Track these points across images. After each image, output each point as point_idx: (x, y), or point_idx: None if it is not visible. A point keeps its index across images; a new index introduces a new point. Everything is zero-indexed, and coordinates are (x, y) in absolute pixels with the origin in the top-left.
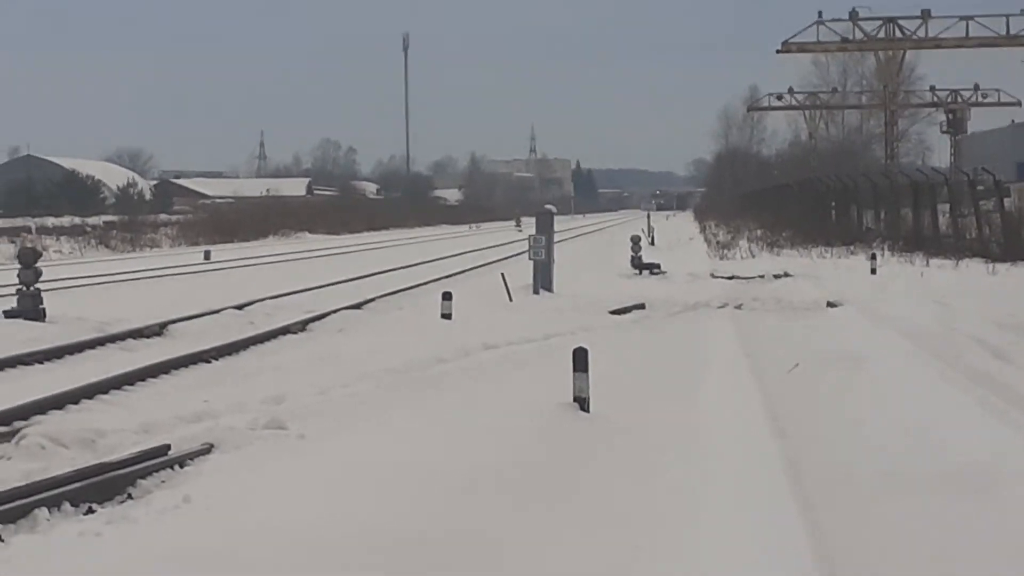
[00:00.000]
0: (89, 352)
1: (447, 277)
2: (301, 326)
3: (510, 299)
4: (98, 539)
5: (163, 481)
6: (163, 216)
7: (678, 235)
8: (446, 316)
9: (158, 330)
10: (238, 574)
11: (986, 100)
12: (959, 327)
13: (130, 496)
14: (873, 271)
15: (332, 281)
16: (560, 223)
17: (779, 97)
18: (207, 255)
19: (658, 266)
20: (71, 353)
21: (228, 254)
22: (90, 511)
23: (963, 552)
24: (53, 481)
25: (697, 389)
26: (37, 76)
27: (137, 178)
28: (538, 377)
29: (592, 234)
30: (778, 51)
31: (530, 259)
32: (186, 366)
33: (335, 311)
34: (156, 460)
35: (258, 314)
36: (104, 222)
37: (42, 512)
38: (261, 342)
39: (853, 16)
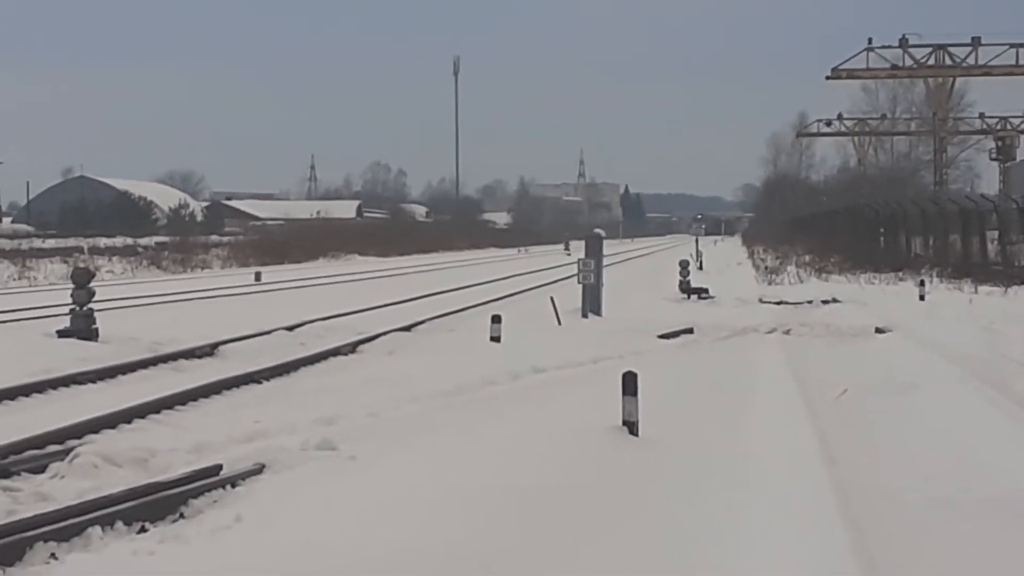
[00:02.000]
0: (142, 372)
1: (496, 300)
2: (351, 348)
3: (559, 322)
4: (151, 558)
5: (215, 501)
6: (214, 237)
7: (726, 260)
8: (495, 339)
9: (210, 350)
10: None
11: None
12: (1008, 354)
13: (182, 515)
14: (922, 297)
15: (382, 303)
16: (609, 247)
17: (828, 123)
18: (258, 276)
19: (706, 291)
20: (124, 373)
21: (279, 275)
22: (143, 530)
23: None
24: (106, 500)
25: (746, 414)
26: (91, 97)
27: (189, 199)
28: (587, 400)
29: (640, 258)
30: (828, 77)
31: (579, 283)
32: (238, 386)
33: (385, 333)
34: (208, 480)
35: (309, 335)
36: (156, 243)
37: (95, 531)
38: (312, 363)
39: (903, 43)
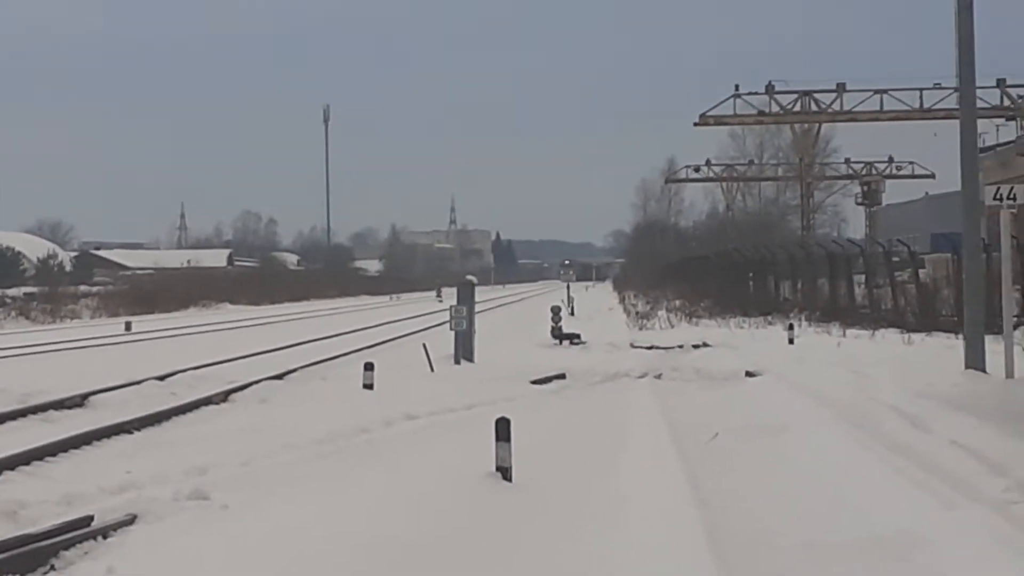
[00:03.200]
0: (10, 423)
1: (369, 347)
2: (223, 396)
3: (432, 369)
4: None
5: (86, 552)
6: (83, 287)
7: (598, 305)
8: (368, 386)
9: (80, 401)
10: None
11: (900, 172)
12: (877, 396)
13: (53, 567)
14: (791, 341)
15: (254, 352)
16: (481, 293)
17: (696, 169)
18: (128, 326)
19: (578, 336)
20: None
21: (149, 325)
22: None
23: None
24: None
25: (618, 458)
26: None
27: (57, 249)
28: (461, 447)
29: (512, 304)
30: (696, 123)
31: (451, 329)
32: (108, 437)
33: (257, 381)
34: (79, 531)
35: (180, 385)
36: (24, 293)
37: None
38: (183, 412)
39: (769, 89)
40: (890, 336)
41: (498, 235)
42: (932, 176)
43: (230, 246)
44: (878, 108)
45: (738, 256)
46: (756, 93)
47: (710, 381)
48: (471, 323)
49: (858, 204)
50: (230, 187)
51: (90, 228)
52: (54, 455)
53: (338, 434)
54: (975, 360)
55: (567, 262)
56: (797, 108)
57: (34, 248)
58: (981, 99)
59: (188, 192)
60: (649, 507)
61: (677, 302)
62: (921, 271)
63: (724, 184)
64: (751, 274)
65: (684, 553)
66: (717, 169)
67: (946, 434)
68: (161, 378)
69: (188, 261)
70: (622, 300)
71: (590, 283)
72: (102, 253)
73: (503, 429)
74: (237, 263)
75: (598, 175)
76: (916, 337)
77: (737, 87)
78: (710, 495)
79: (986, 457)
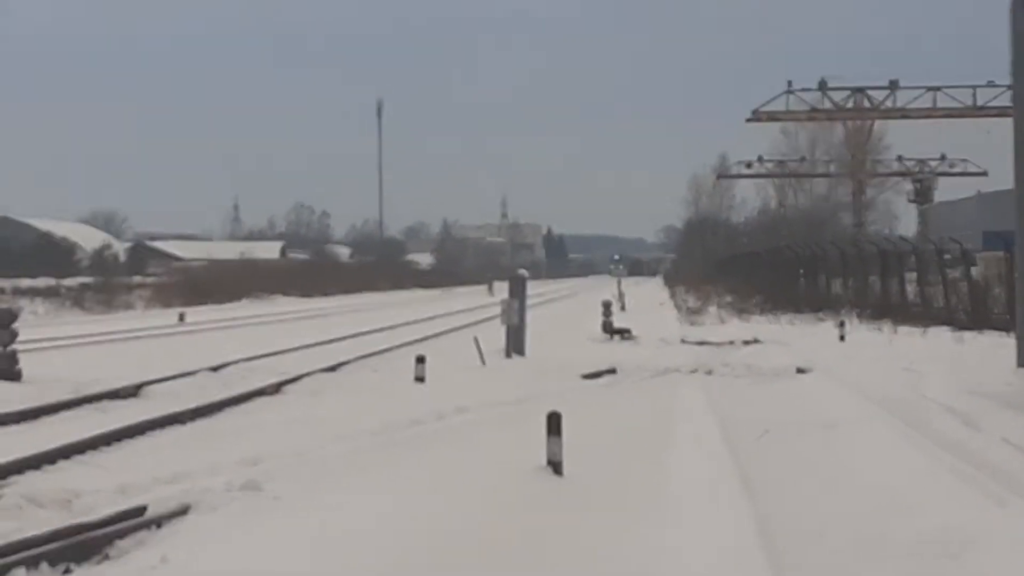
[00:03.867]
0: (65, 413)
1: (420, 340)
2: (275, 388)
3: (483, 362)
4: None
5: (140, 542)
6: (137, 278)
7: (649, 301)
8: (420, 379)
9: (133, 391)
10: None
11: (953, 170)
12: (928, 394)
13: (107, 556)
14: (842, 338)
15: (306, 344)
16: (532, 288)
17: (748, 165)
18: (181, 317)
19: (629, 331)
20: (47, 414)
21: (202, 316)
22: (67, 571)
23: None
24: (30, 541)
25: (669, 453)
26: (12, 137)
27: (112, 240)
28: (512, 440)
29: (563, 299)
30: (748, 119)
31: (502, 323)
32: (162, 427)
33: (309, 373)
34: (133, 521)
35: (233, 376)
36: (79, 284)
37: (19, 572)
38: (236, 404)
39: (822, 86)
40: (941, 334)
41: (549, 230)
42: (985, 174)
43: (283, 238)
44: (931, 105)
45: (789, 253)
46: (809, 89)
47: (760, 377)
48: (523, 317)
49: (910, 201)
50: (284, 180)
51: (144, 219)
52: (108, 444)
53: (390, 426)
54: None
55: (617, 257)
56: (850, 105)
57: (89, 239)
58: None
59: (242, 184)
60: (700, 502)
61: (728, 298)
62: (973, 269)
63: (776, 180)
64: (802, 271)
65: (735, 547)
66: (769, 165)
67: (997, 432)
68: (214, 369)
69: (241, 253)
70: (673, 295)
71: (641, 278)
72: (156, 244)
73: (554, 423)
74: (290, 255)
75: (650, 170)
76: (968, 335)
77: (790, 83)
78: (760, 491)
79: None
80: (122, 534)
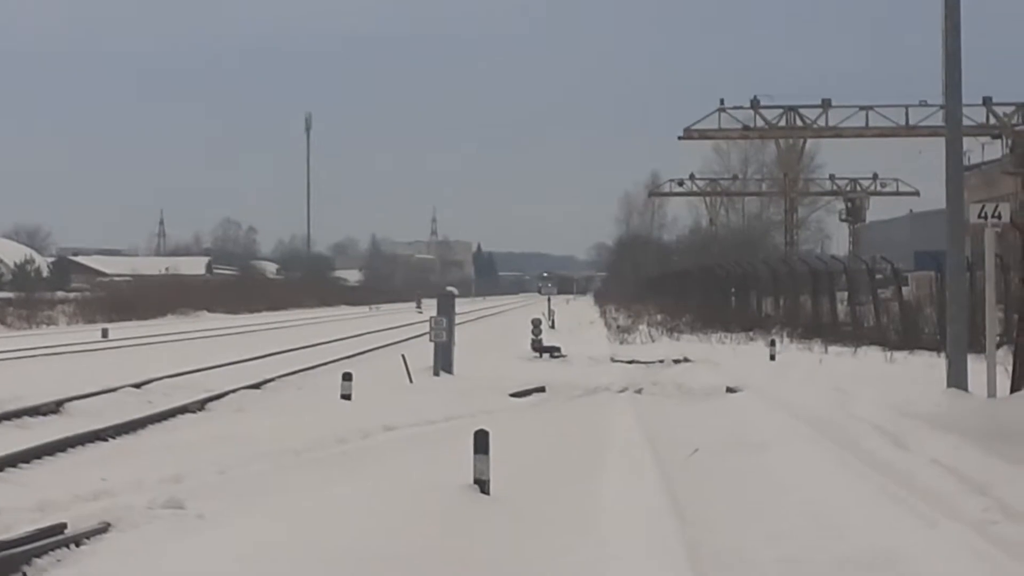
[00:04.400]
0: None
1: (347, 358)
2: (200, 405)
3: (410, 381)
4: None
5: (59, 560)
6: (60, 293)
7: (579, 319)
8: (346, 397)
9: (55, 408)
10: None
11: (885, 189)
12: (858, 414)
13: (25, 575)
14: (772, 357)
15: (231, 361)
16: (461, 305)
17: (680, 183)
18: (105, 333)
19: (558, 349)
20: None
21: (126, 332)
22: None
23: None
24: None
25: (598, 473)
26: None
27: (35, 255)
28: (438, 459)
29: (493, 316)
30: (680, 137)
31: (431, 341)
32: (83, 444)
33: (234, 390)
34: (52, 539)
35: (156, 393)
36: (0, 299)
37: None
38: (159, 421)
39: (754, 104)
40: (872, 354)
41: (479, 247)
42: (917, 193)
43: (209, 254)
44: (863, 124)
45: (720, 271)
46: (741, 108)
47: (691, 396)
48: (451, 335)
49: (842, 220)
50: (210, 195)
51: (68, 234)
52: (28, 462)
53: (315, 444)
54: (957, 379)
55: (545, 274)
56: (782, 123)
57: (11, 253)
58: (967, 117)
59: (167, 199)
60: (627, 522)
61: (659, 316)
62: (904, 289)
63: (708, 199)
64: (733, 289)
65: (661, 568)
66: (701, 183)
67: (927, 453)
68: (137, 386)
69: (166, 268)
70: (603, 314)
71: (571, 296)
72: (80, 259)
73: (481, 442)
74: (216, 271)
75: (582, 188)
76: (899, 355)
77: (722, 101)
78: (689, 510)
79: (967, 476)
80: (41, 552)
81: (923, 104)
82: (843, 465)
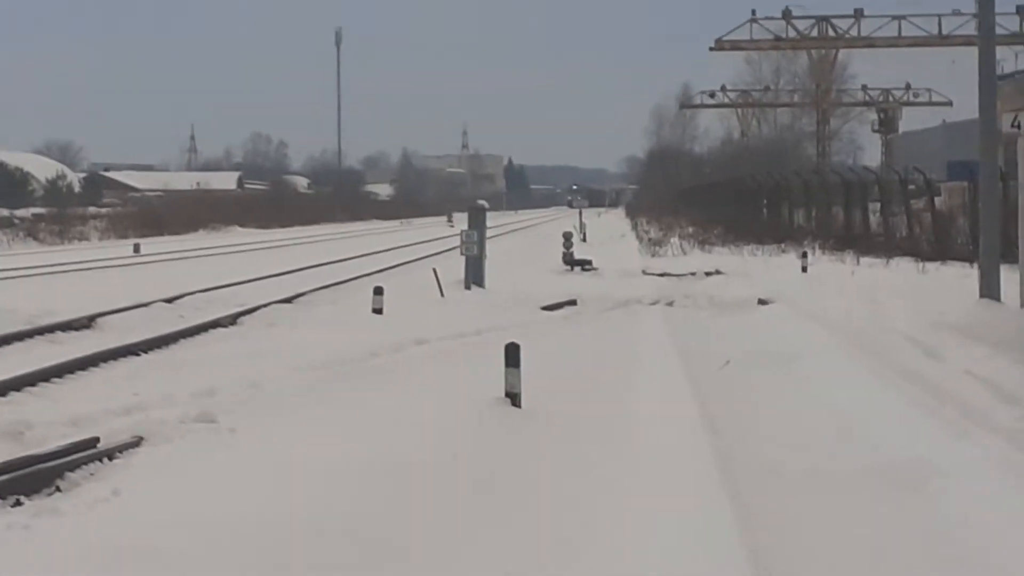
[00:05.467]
0: (17, 344)
1: (378, 272)
2: (231, 320)
3: (442, 294)
4: (26, 531)
5: (92, 474)
6: (92, 209)
7: (610, 232)
8: (377, 311)
9: (87, 323)
10: (166, 566)
11: (918, 99)
12: (890, 325)
13: (58, 489)
14: (804, 269)
15: (262, 275)
16: (492, 219)
17: (712, 95)
18: (136, 248)
19: (590, 262)
20: None
21: (158, 247)
22: (18, 503)
23: (891, 548)
24: None
25: (629, 385)
26: None
27: (66, 170)
28: (470, 372)
29: (524, 230)
30: (711, 48)
31: (462, 254)
32: (115, 359)
33: (266, 305)
34: (85, 453)
35: (188, 307)
36: (32, 214)
37: None
38: (191, 335)
39: (786, 15)
40: (904, 265)
41: (510, 160)
42: (950, 104)
43: (240, 169)
44: (896, 34)
45: (752, 183)
46: (773, 18)
47: (722, 308)
48: (482, 248)
49: (874, 131)
50: (241, 109)
51: (99, 150)
52: (60, 376)
53: (347, 358)
54: (990, 289)
55: (575, 187)
56: (814, 34)
57: (43, 169)
58: (1000, 26)
59: (198, 114)
60: (658, 433)
61: (690, 229)
62: (937, 199)
63: (739, 110)
64: (765, 201)
65: (691, 478)
66: (732, 95)
67: (959, 363)
68: (169, 300)
69: (197, 183)
70: (635, 227)
71: (603, 209)
72: (111, 175)
73: (512, 355)
74: (247, 186)
75: (612, 100)
76: (931, 266)
77: (754, 12)
78: (720, 422)
79: (999, 386)
80: (74, 466)
81: (956, 13)
82: (875, 376)
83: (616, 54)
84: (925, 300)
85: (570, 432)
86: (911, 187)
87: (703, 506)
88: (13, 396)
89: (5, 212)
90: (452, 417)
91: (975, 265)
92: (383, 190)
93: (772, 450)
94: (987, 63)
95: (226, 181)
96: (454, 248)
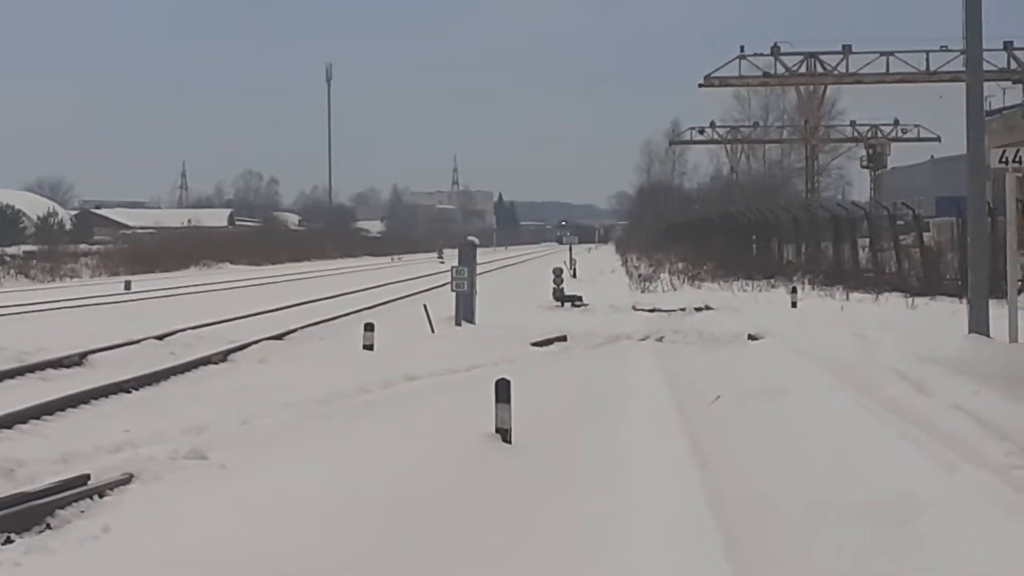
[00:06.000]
0: (8, 382)
1: (369, 308)
2: (222, 356)
3: (432, 330)
4: (17, 569)
5: (82, 511)
6: (83, 246)
7: (600, 268)
8: (368, 347)
9: (78, 360)
10: None
11: (906, 135)
12: (880, 360)
13: (49, 526)
14: (794, 304)
15: (253, 312)
16: (482, 255)
17: (701, 131)
18: (127, 285)
19: (580, 298)
20: None
21: (149, 284)
22: (8, 541)
23: None
24: None
25: (619, 420)
26: None
27: (57, 208)
28: (460, 408)
29: (514, 266)
30: (700, 85)
31: (452, 290)
32: (106, 396)
33: (256, 341)
34: (75, 490)
35: (179, 344)
36: (24, 252)
37: None
38: (182, 372)
39: (775, 51)
40: (894, 300)
41: (500, 196)
42: (938, 139)
43: (231, 206)
44: (884, 70)
45: (742, 219)
46: (761, 55)
47: (712, 344)
48: (472, 284)
49: (863, 167)
50: (231, 146)
51: (91, 187)
52: (51, 414)
53: (338, 394)
54: (979, 324)
55: (563, 223)
56: (802, 70)
57: (34, 206)
58: (988, 62)
59: (189, 151)
60: (649, 469)
61: (680, 265)
62: (925, 235)
63: (728, 146)
64: (754, 237)
65: (683, 514)
66: (721, 131)
67: (949, 398)
68: (160, 337)
69: (189, 220)
70: (625, 262)
71: (593, 245)
72: (102, 212)
73: (503, 391)
74: (238, 223)
75: (602, 137)
76: (920, 301)
77: (742, 48)
78: (711, 457)
79: (988, 421)
80: (64, 503)
81: (944, 49)
82: (865, 411)
83: (606, 90)
84: (914, 335)
85: (561, 467)
86: (900, 223)
87: (696, 541)
88: (4, 433)
89: None
90: (443, 453)
91: (964, 300)
92: (374, 227)
93: (763, 485)
94: (975, 99)
95: (217, 218)
96: (445, 284)
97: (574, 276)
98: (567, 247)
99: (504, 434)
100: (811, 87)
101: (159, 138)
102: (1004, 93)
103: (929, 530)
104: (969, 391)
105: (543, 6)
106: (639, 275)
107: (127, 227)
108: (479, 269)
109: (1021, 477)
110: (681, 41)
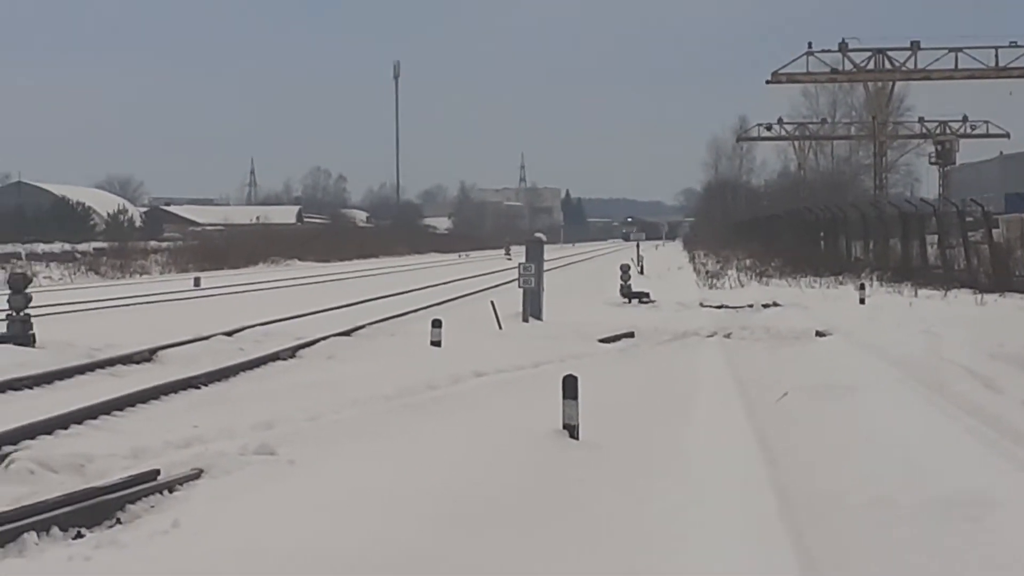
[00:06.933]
0: (78, 377)
1: (437, 305)
2: (291, 352)
3: (499, 327)
4: (87, 563)
5: (152, 506)
6: (153, 243)
7: (667, 264)
8: (436, 343)
9: (148, 356)
10: None
11: (975, 131)
12: (948, 357)
13: (119, 521)
14: (862, 301)
15: (322, 308)
16: (549, 252)
17: (768, 127)
18: (197, 282)
19: (647, 295)
20: (60, 378)
21: (218, 281)
22: (79, 536)
23: None
24: (42, 505)
25: (687, 417)
26: (28, 102)
27: (127, 205)
28: (528, 404)
29: (581, 263)
30: (768, 81)
31: (520, 287)
32: (176, 392)
33: (325, 338)
34: (145, 485)
35: (248, 340)
36: (94, 248)
37: (31, 536)
38: (251, 368)
39: (843, 47)
40: (962, 296)
41: (568, 193)
42: (1007, 135)
43: (299, 203)
44: (952, 66)
45: (809, 215)
46: (829, 51)
47: (780, 340)
48: (540, 281)
49: (932, 164)
50: (300, 144)
51: (160, 184)
52: (121, 409)
53: (405, 390)
54: None
55: (629, 219)
56: (871, 66)
57: (104, 203)
58: None
59: (258, 149)
60: (717, 466)
61: (747, 261)
62: (995, 231)
63: (796, 143)
64: (822, 233)
65: (751, 511)
66: (789, 127)
67: (1019, 395)
68: (229, 334)
69: (257, 217)
70: (692, 259)
71: (660, 242)
72: (172, 209)
73: (570, 387)
74: (306, 220)
75: (669, 133)
76: (989, 298)
77: (810, 44)
78: (779, 453)
79: None
80: (134, 498)
81: (1013, 45)
82: (934, 408)
83: (673, 87)
84: (984, 332)
85: (629, 464)
86: (969, 219)
87: (765, 537)
88: (75, 428)
89: (67, 246)
90: (510, 449)
91: None
92: (441, 223)
93: (832, 482)
94: None
95: (286, 215)
96: (512, 281)
97: (641, 273)
98: (634, 244)
99: (572, 430)
100: (879, 83)
101: (228, 136)
102: None
103: (999, 527)
104: None
105: (610, 3)
106: (706, 272)
107: (196, 224)
108: (546, 266)
109: None
110: (748, 37)
